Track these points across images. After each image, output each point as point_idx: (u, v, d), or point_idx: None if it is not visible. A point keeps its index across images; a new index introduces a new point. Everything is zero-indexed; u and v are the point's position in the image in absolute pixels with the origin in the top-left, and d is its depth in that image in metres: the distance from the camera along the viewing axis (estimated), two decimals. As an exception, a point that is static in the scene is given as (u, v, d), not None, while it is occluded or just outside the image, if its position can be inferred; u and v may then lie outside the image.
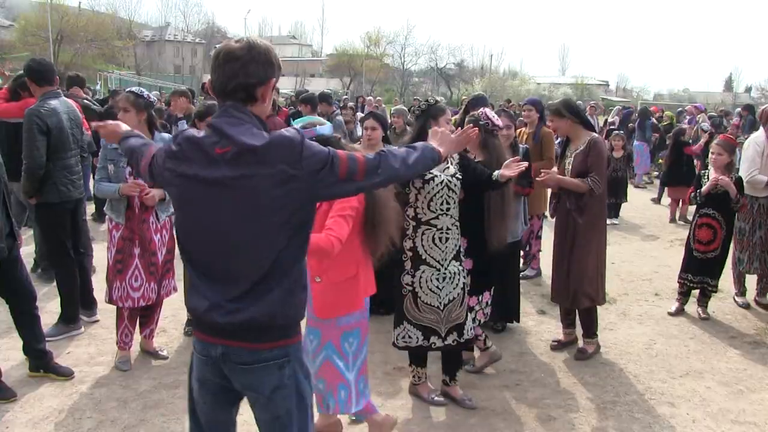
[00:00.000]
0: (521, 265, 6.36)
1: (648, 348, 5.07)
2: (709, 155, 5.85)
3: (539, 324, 5.50)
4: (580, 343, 4.91)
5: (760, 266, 5.91)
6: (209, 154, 1.99)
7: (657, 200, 11.89)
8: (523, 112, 6.81)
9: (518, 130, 6.62)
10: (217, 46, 2.11)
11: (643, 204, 11.86)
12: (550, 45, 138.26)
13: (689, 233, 5.85)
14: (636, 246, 8.49)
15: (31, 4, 49.96)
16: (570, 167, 4.63)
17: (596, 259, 4.66)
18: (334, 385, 3.26)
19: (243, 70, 2.00)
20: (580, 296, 4.64)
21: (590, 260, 4.61)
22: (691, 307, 5.89)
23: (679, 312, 5.84)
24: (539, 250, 6.73)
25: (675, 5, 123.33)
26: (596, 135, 4.72)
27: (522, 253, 6.41)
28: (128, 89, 4.50)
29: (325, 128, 3.14)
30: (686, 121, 15.39)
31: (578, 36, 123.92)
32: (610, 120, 15.22)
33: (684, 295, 5.91)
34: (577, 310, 4.85)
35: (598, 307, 4.85)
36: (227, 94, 2.03)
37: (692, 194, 5.79)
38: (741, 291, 6.15)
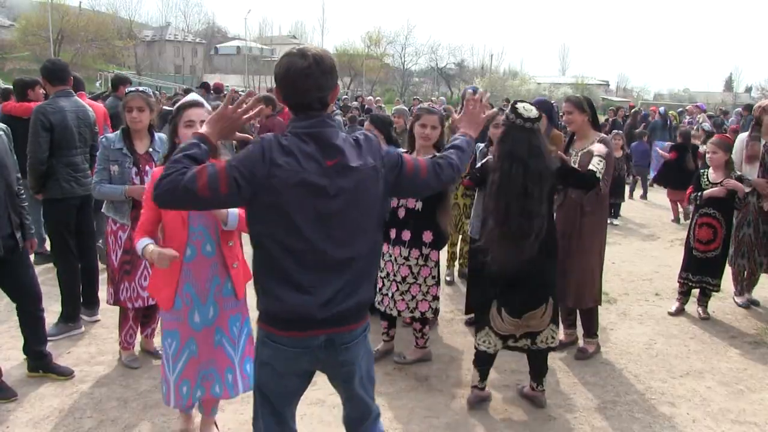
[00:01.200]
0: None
1: (648, 348, 5.07)
2: (706, 154, 5.86)
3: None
4: (581, 343, 4.92)
5: (747, 263, 5.92)
6: (321, 164, 2.18)
7: (644, 196, 12.34)
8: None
9: None
10: (280, 59, 2.26)
11: (643, 204, 11.88)
12: (551, 45, 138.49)
13: (689, 232, 5.86)
14: (636, 246, 8.49)
15: (31, 4, 50.00)
16: (576, 165, 4.62)
17: (599, 259, 4.68)
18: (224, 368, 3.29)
19: (316, 85, 2.20)
20: (585, 296, 4.65)
21: (594, 260, 4.62)
22: (692, 306, 5.89)
23: (680, 312, 5.84)
24: None
25: (675, 5, 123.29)
26: (604, 135, 4.73)
27: None
28: (137, 89, 4.53)
29: None
30: (686, 121, 15.40)
31: (578, 36, 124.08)
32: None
33: (684, 294, 5.91)
34: (578, 310, 4.85)
35: (598, 306, 4.85)
36: (305, 107, 2.23)
37: (691, 195, 5.79)
38: (740, 291, 6.15)
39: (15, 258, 3.99)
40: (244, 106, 2.29)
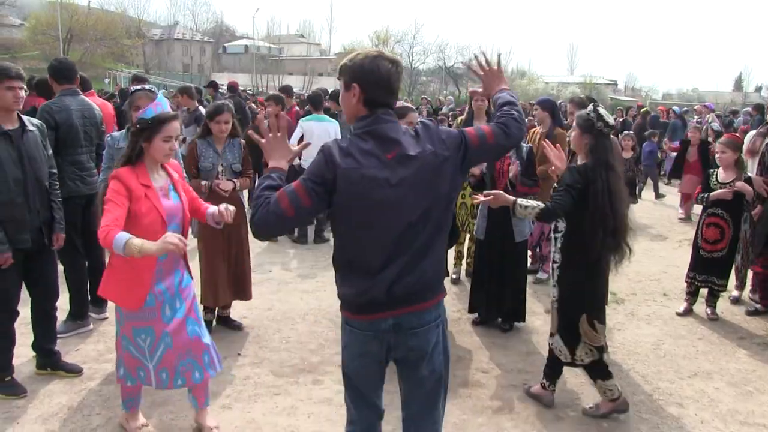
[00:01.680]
0: (530, 265, 6.36)
1: (656, 348, 5.06)
2: (715, 154, 5.85)
3: (546, 324, 5.46)
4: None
5: (741, 260, 5.94)
6: (381, 158, 2.35)
7: (657, 195, 12.25)
8: (533, 112, 6.77)
9: (531, 130, 6.61)
10: (362, 60, 2.43)
11: (651, 204, 11.84)
12: (559, 44, 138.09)
13: (696, 232, 5.84)
14: (644, 246, 8.46)
15: (41, 3, 50.25)
16: None
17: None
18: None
19: (398, 87, 2.50)
20: None
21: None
22: (700, 307, 5.87)
23: (688, 312, 5.82)
24: (550, 251, 6.70)
25: (684, 4, 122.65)
26: (611, 136, 4.71)
27: (530, 253, 6.40)
28: (143, 87, 4.55)
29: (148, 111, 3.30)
30: (694, 120, 15.32)
31: (587, 35, 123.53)
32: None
33: (692, 294, 5.89)
34: None
35: (605, 307, 4.83)
36: (387, 105, 2.44)
37: (699, 195, 5.77)
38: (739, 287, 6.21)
39: (42, 253, 4.08)
40: (276, 126, 2.51)
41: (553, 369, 4.04)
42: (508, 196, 3.78)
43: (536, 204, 3.72)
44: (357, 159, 2.34)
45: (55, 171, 4.25)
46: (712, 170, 5.85)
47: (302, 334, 5.15)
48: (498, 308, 5.29)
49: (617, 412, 3.94)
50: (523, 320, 5.34)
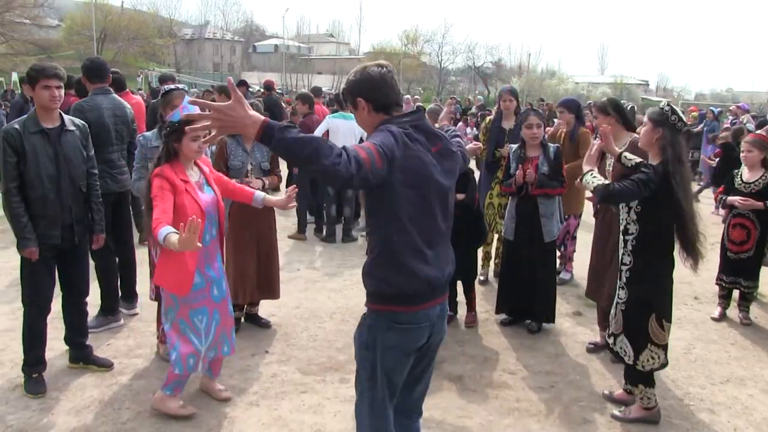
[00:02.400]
0: (557, 266, 6.30)
1: (686, 353, 4.98)
2: (741, 153, 5.75)
3: (575, 326, 5.44)
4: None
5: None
6: (429, 150, 2.50)
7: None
8: (558, 113, 6.70)
9: (559, 131, 6.54)
10: (363, 72, 2.56)
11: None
12: (589, 44, 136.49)
13: (723, 233, 5.77)
14: (706, 255, 8.28)
15: (77, 4, 51.12)
16: (611, 168, 4.57)
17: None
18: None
19: (398, 87, 2.66)
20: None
21: None
22: (733, 312, 5.77)
23: (723, 317, 5.72)
24: (574, 251, 6.65)
25: (719, 2, 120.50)
26: (636, 136, 4.64)
27: (558, 253, 6.35)
28: (176, 86, 4.59)
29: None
30: (728, 121, 15.04)
31: (618, 34, 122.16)
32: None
33: (724, 298, 5.80)
34: (599, 309, 4.79)
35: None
36: (397, 105, 2.56)
37: (721, 196, 5.70)
38: None
39: (73, 249, 4.14)
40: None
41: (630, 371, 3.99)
42: (593, 164, 3.92)
43: (603, 181, 3.73)
44: (419, 147, 2.46)
45: (96, 172, 4.29)
46: (736, 170, 5.76)
47: (329, 333, 5.17)
48: (526, 309, 5.25)
49: (648, 421, 3.88)
50: (553, 321, 5.29)
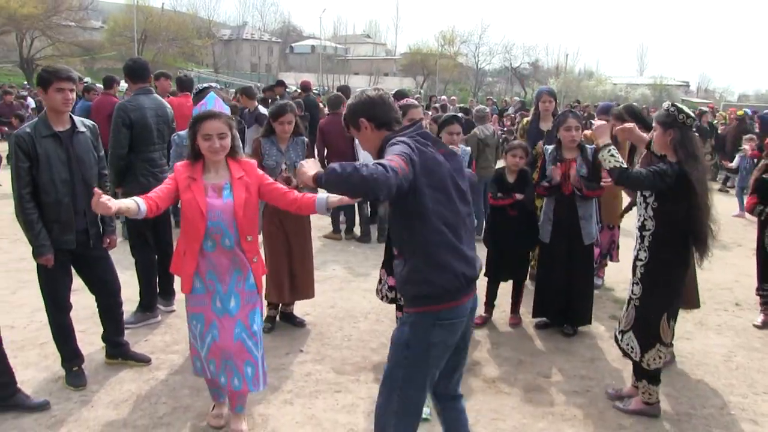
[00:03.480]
0: (596, 273, 6.24)
1: (727, 360, 4.87)
2: None
3: (611, 329, 5.34)
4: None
5: None
6: (437, 150, 2.71)
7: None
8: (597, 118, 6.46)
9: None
10: (361, 97, 2.80)
11: (723, 209, 11.36)
12: (628, 44, 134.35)
13: (761, 242, 5.66)
14: (715, 253, 8.10)
15: (119, 6, 52.12)
16: (639, 161, 4.49)
17: None
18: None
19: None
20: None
21: None
22: (775, 319, 5.63)
23: (766, 325, 5.58)
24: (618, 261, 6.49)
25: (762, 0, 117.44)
26: None
27: (601, 261, 6.25)
28: (210, 85, 4.66)
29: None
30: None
31: (658, 35, 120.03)
32: None
33: (767, 305, 5.65)
34: None
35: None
36: (398, 121, 2.80)
37: (756, 207, 5.55)
38: None
39: (90, 252, 4.12)
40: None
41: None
42: (607, 136, 3.91)
43: (621, 162, 3.76)
44: (430, 148, 2.66)
45: (106, 173, 4.29)
46: (766, 175, 5.60)
47: (364, 333, 5.18)
48: (563, 313, 5.19)
49: (646, 414, 3.94)
50: (590, 322, 5.22)
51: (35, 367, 4.39)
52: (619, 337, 3.97)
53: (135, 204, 3.08)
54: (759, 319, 5.66)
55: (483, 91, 56.90)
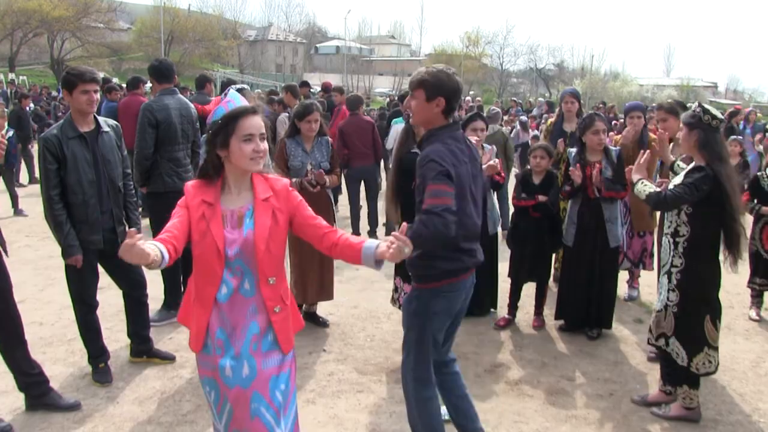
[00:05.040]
0: (627, 281, 6.19)
1: (755, 366, 4.79)
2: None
3: (636, 333, 5.30)
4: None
5: None
6: (466, 156, 3.01)
7: None
8: (630, 119, 6.30)
9: (616, 136, 6.36)
10: (445, 74, 2.98)
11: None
12: (655, 45, 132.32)
13: (753, 237, 5.77)
14: (744, 255, 8.00)
15: (147, 8, 52.75)
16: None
17: None
18: None
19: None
20: None
21: None
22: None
23: (760, 317, 5.70)
24: (653, 269, 6.36)
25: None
26: None
27: (635, 271, 6.17)
28: (240, 85, 4.69)
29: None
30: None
31: (685, 35, 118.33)
32: None
33: (757, 297, 5.86)
34: None
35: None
36: (452, 112, 3.05)
37: (749, 203, 5.66)
38: None
39: (117, 249, 4.16)
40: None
41: (673, 373, 3.95)
42: (641, 173, 3.92)
43: (654, 188, 3.76)
44: (460, 154, 2.95)
45: (130, 172, 4.34)
46: (760, 173, 5.69)
47: (387, 333, 5.19)
48: (585, 317, 5.15)
49: (688, 419, 3.89)
50: (609, 327, 5.18)
51: (63, 362, 4.47)
52: (661, 342, 3.86)
53: (159, 254, 2.32)
54: (753, 312, 5.76)
55: (508, 92, 56.61)
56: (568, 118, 6.35)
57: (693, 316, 3.73)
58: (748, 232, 5.57)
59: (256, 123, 2.50)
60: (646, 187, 3.80)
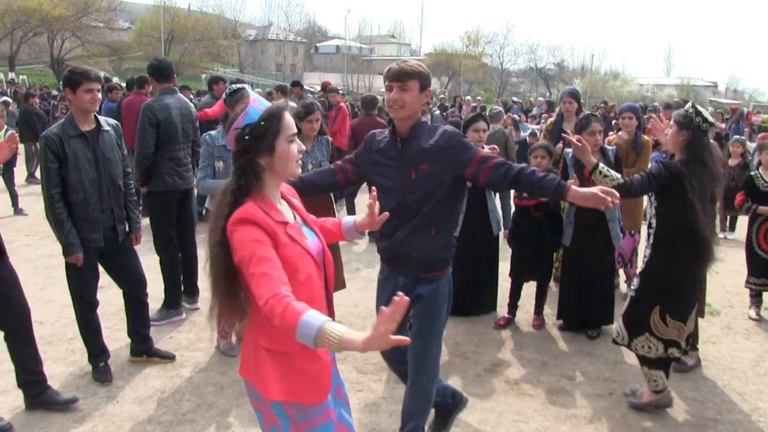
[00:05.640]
0: (625, 281, 6.18)
1: (755, 365, 4.79)
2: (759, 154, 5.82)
3: (636, 333, 5.29)
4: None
5: None
6: None
7: None
8: (621, 120, 6.32)
9: (612, 135, 6.38)
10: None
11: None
12: (655, 44, 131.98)
13: (749, 237, 5.80)
14: (744, 255, 8.00)
15: (147, 7, 52.71)
16: None
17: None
18: None
19: None
20: (701, 307, 4.47)
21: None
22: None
23: (759, 316, 5.70)
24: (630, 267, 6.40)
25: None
26: (712, 141, 4.47)
27: (629, 271, 6.18)
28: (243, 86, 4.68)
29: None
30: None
31: (685, 34, 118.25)
32: None
33: (756, 297, 5.87)
34: None
35: (699, 319, 4.62)
36: None
37: (744, 202, 5.73)
38: None
39: (119, 249, 4.19)
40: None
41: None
42: (591, 157, 3.81)
43: (617, 176, 3.77)
44: None
45: (130, 170, 4.35)
46: (753, 172, 5.76)
47: (385, 333, 5.17)
48: (587, 315, 5.15)
49: (660, 406, 3.97)
50: (612, 322, 5.18)
51: (63, 361, 4.47)
52: (614, 326, 4.08)
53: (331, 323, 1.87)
54: (753, 312, 5.78)
55: (508, 91, 56.59)
56: (568, 118, 6.37)
57: (643, 303, 3.86)
58: (743, 234, 5.64)
59: (293, 121, 2.24)
60: (607, 178, 3.73)
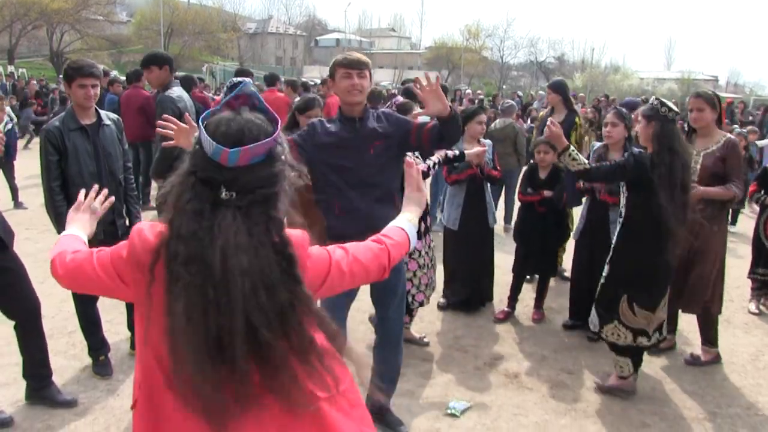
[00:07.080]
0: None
1: (755, 359, 4.80)
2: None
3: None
4: (688, 349, 4.78)
5: None
6: None
7: None
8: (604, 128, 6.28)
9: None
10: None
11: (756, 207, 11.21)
12: (655, 38, 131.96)
13: (757, 228, 5.85)
14: (746, 249, 8.02)
15: (146, 0, 52.58)
16: (699, 167, 4.33)
17: (716, 266, 4.45)
18: None
19: None
20: (693, 302, 4.46)
21: (708, 268, 4.40)
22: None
23: (760, 310, 5.72)
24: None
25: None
26: (731, 136, 4.45)
27: None
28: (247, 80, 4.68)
29: None
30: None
31: (686, 28, 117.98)
32: None
33: (759, 290, 5.89)
34: (697, 316, 4.66)
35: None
36: None
37: (754, 194, 5.78)
38: None
39: (117, 241, 4.18)
40: None
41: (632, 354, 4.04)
42: (564, 139, 3.94)
43: (584, 162, 3.94)
44: None
45: (131, 165, 4.34)
46: (766, 166, 5.78)
47: (385, 326, 5.19)
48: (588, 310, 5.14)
49: (622, 391, 4.06)
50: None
51: (63, 355, 4.47)
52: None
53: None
54: (753, 305, 5.79)
55: (508, 85, 56.48)
56: (557, 109, 6.47)
57: (611, 288, 3.95)
58: (744, 227, 5.65)
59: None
60: (575, 162, 3.93)
